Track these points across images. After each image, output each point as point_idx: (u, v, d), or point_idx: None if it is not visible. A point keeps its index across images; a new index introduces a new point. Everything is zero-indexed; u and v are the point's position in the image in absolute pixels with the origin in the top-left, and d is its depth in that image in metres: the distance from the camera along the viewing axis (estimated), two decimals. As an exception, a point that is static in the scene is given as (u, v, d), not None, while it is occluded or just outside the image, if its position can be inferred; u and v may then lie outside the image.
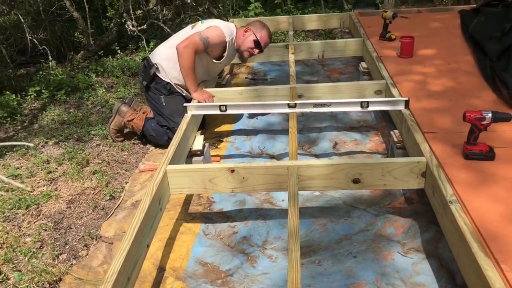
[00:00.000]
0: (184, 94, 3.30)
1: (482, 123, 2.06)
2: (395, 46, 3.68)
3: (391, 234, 2.34)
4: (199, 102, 3.09)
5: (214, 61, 3.30)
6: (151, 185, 2.13)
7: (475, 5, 4.71)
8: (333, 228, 2.43)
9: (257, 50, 3.33)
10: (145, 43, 5.26)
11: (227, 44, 3.20)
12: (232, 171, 2.26)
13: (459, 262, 1.76)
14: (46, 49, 4.51)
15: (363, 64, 3.91)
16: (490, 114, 2.05)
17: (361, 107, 2.70)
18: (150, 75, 3.21)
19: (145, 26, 5.36)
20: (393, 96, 2.86)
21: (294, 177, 2.15)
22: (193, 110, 2.90)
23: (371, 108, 2.72)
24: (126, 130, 3.52)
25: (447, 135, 2.35)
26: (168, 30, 5.47)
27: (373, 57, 3.56)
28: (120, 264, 1.65)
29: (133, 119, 3.36)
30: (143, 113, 3.46)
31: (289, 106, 2.79)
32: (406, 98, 2.66)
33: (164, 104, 3.25)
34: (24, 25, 4.46)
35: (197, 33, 3.07)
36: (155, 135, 3.30)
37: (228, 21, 5.24)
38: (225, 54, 3.27)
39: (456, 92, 2.85)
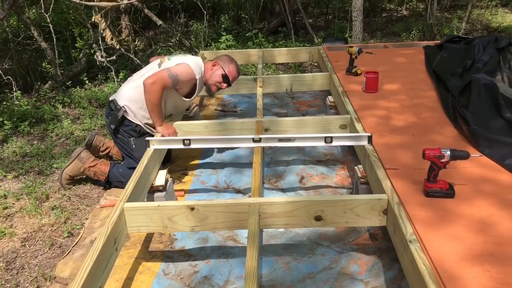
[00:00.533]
0: (154, 134, 3.19)
1: (441, 160, 2.07)
2: (360, 80, 3.73)
3: (354, 272, 2.31)
4: (163, 136, 3.03)
5: (184, 98, 3.24)
6: (107, 224, 2.06)
7: (439, 41, 4.84)
8: (297, 267, 2.37)
9: (225, 85, 3.29)
10: (114, 74, 5.21)
11: (197, 81, 3.14)
12: (192, 209, 2.20)
13: None
14: (11, 79, 4.41)
15: (330, 98, 3.94)
16: (448, 152, 2.06)
17: (325, 142, 2.71)
18: (118, 118, 3.08)
19: (114, 57, 5.32)
20: (357, 131, 2.87)
21: (255, 215, 2.10)
22: (156, 144, 2.84)
23: (335, 143, 2.72)
24: (78, 177, 3.31)
25: (409, 172, 2.35)
26: (138, 61, 5.45)
27: (339, 92, 3.59)
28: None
29: (96, 164, 3.18)
30: (106, 148, 3.38)
31: (254, 140, 2.77)
32: (369, 134, 2.67)
33: (134, 146, 3.14)
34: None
35: (166, 69, 3.00)
36: (125, 180, 2.99)
37: (198, 53, 5.27)
38: (196, 91, 3.23)
39: (419, 128, 2.88)
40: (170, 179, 2.86)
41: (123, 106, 3.10)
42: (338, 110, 3.71)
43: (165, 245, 2.61)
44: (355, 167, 2.79)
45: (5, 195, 3.17)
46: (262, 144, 2.79)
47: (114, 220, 2.09)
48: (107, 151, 3.47)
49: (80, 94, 5.01)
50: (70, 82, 5.29)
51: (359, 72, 3.96)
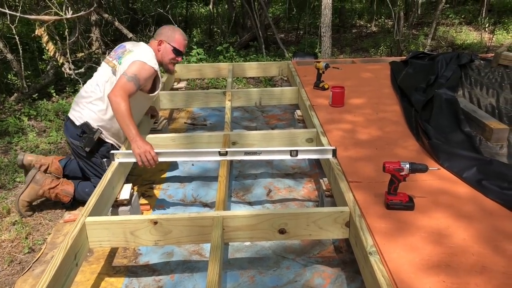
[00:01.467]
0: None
1: (401, 173, 2.12)
2: (327, 95, 3.80)
3: (318, 285, 2.32)
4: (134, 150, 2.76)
5: (150, 95, 3.11)
6: (66, 238, 2.02)
7: (405, 57, 4.97)
8: (262, 280, 2.37)
9: (180, 58, 3.13)
10: (82, 86, 5.14)
11: (158, 72, 3.00)
12: (155, 223, 2.18)
13: None
14: (-26, 91, 4.31)
15: (298, 112, 3.99)
16: (408, 165, 2.11)
17: (291, 155, 2.73)
18: (95, 140, 2.90)
19: (83, 70, 5.26)
20: (323, 145, 2.91)
21: (219, 229, 2.10)
22: (121, 157, 2.79)
23: (300, 156, 2.74)
24: (37, 202, 3.12)
25: (371, 184, 2.40)
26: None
27: (306, 106, 3.64)
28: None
29: (57, 185, 2.98)
30: (41, 166, 3.15)
31: (220, 154, 2.77)
32: (333, 148, 2.71)
33: (107, 167, 2.87)
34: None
35: (122, 75, 2.77)
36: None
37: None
38: (158, 83, 3.11)
39: (382, 141, 2.94)
40: (135, 193, 2.83)
41: (98, 128, 2.93)
42: (305, 124, 3.75)
43: (129, 260, 2.57)
44: (321, 180, 2.82)
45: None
46: (228, 158, 2.77)
47: (74, 234, 2.05)
48: (43, 168, 3.15)
49: (47, 107, 4.93)
50: (37, 94, 5.20)
51: (326, 86, 4.02)
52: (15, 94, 5.26)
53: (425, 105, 3.37)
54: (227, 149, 2.77)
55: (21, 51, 4.66)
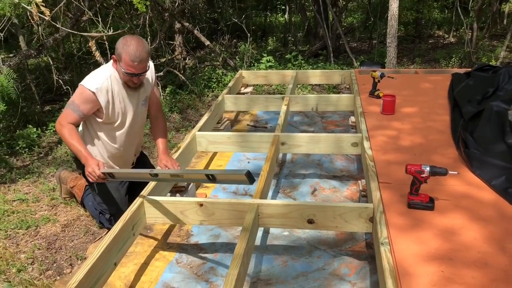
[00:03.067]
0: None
1: (422, 175, 2.29)
2: (380, 103, 3.96)
3: (344, 274, 2.54)
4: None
5: (109, 125, 2.84)
6: (127, 212, 2.43)
7: (470, 69, 4.96)
8: (293, 265, 2.64)
9: (135, 78, 2.69)
10: (160, 89, 5.70)
11: (96, 95, 2.63)
12: (201, 205, 2.53)
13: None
14: (70, 89, 4.98)
15: (352, 118, 4.19)
16: (428, 168, 2.27)
17: (208, 178, 2.25)
18: (81, 163, 2.70)
19: (161, 73, 5.83)
20: (365, 150, 3.09)
21: (252, 213, 2.40)
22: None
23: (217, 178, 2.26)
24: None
25: (399, 186, 2.57)
26: (183, 78, 5.93)
27: (358, 112, 3.84)
28: (82, 276, 1.93)
29: (75, 186, 3.25)
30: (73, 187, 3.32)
31: (150, 174, 2.53)
32: (245, 171, 2.06)
33: (97, 191, 3.00)
34: (53, 67, 4.96)
35: (66, 105, 2.70)
36: (91, 214, 3.20)
37: (237, 72, 5.66)
38: (104, 109, 2.71)
39: (422, 148, 3.08)
40: (192, 183, 3.21)
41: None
42: (357, 130, 3.94)
43: (182, 238, 2.95)
44: (359, 181, 3.03)
45: (53, 188, 3.65)
46: (157, 179, 2.64)
47: (134, 209, 2.46)
48: (84, 184, 3.24)
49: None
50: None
51: (381, 95, 4.17)
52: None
53: (474, 115, 3.42)
54: (157, 171, 2.52)
55: (109, 55, 5.30)
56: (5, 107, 3.73)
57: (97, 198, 3.03)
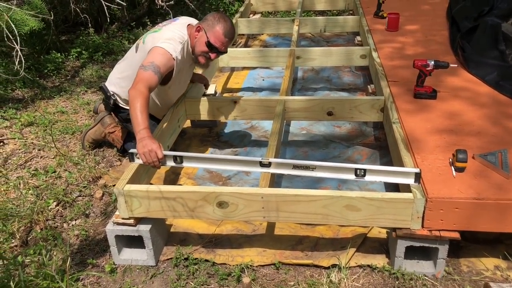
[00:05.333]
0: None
1: (427, 69, 2.68)
2: (385, 22, 4.29)
3: (357, 160, 2.98)
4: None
5: (162, 86, 2.69)
6: (171, 109, 2.81)
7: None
8: (313, 154, 3.08)
9: (213, 54, 2.61)
10: (172, 17, 5.94)
11: (175, 63, 2.51)
12: (235, 102, 2.92)
13: (392, 155, 2.46)
14: (88, 17, 5.22)
15: (358, 38, 4.52)
16: (432, 62, 2.66)
17: (356, 175, 1.98)
18: (111, 106, 2.84)
19: (172, 2, 6.04)
20: (374, 59, 3.46)
21: (281, 106, 2.80)
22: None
23: (369, 177, 1.97)
24: (100, 142, 3.28)
25: (406, 83, 2.97)
26: (193, 6, 6.15)
27: (364, 30, 4.18)
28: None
29: (115, 131, 3.12)
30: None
31: (261, 164, 2.08)
32: (416, 170, 1.91)
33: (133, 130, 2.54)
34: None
35: (141, 67, 2.39)
36: None
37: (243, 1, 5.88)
38: (173, 75, 2.59)
39: (424, 56, 3.45)
40: (218, 91, 3.58)
41: (112, 94, 2.84)
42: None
43: (214, 138, 3.37)
44: (368, 86, 3.42)
45: (88, 102, 4.01)
46: (271, 170, 2.09)
47: (178, 108, 2.85)
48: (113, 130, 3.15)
49: (143, 33, 5.79)
50: (134, 23, 6.09)
51: (385, 15, 4.48)
52: (116, 23, 6.19)
53: (470, 29, 3.77)
54: (271, 160, 2.08)
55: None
56: (44, 25, 3.98)
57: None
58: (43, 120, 3.62)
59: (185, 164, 2.18)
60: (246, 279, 2.01)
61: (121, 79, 2.79)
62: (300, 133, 3.36)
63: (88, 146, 3.23)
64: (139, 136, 2.18)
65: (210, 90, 3.49)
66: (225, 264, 2.16)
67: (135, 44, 2.78)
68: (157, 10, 6.34)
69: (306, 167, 2.05)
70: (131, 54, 2.77)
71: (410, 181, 1.93)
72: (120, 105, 2.87)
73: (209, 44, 2.55)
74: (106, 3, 2.67)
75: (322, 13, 6.61)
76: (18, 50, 2.48)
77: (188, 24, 2.67)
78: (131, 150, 2.23)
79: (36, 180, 2.88)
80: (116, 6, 3.68)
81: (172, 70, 2.55)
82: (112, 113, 3.05)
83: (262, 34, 5.60)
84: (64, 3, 5.80)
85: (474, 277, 2.01)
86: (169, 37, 2.52)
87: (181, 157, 2.15)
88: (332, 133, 3.32)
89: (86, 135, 3.22)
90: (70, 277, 1.99)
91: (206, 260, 2.17)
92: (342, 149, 3.12)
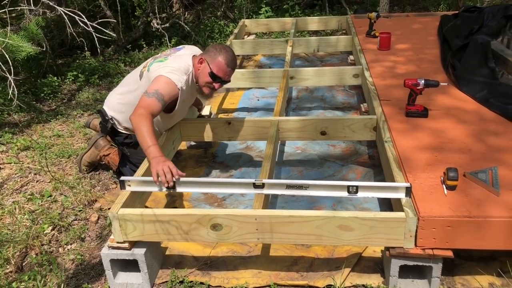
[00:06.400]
0: None
1: (418, 88, 2.72)
2: (377, 41, 4.35)
3: (352, 178, 3.00)
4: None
5: (167, 114, 2.74)
6: (166, 131, 2.84)
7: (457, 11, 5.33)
8: (308, 174, 3.10)
9: (217, 84, 2.62)
10: (167, 40, 6.03)
11: (179, 92, 2.55)
12: (229, 123, 2.95)
13: (385, 174, 2.49)
14: (84, 41, 5.28)
15: (351, 57, 4.59)
16: (423, 81, 2.70)
17: (348, 192, 2.03)
18: (108, 129, 2.86)
19: (167, 25, 6.14)
20: (366, 78, 3.51)
21: (275, 127, 2.83)
22: (133, 185, 2.24)
23: (361, 194, 2.02)
24: (97, 164, 3.32)
25: (398, 102, 3.01)
26: (188, 29, 6.23)
27: (357, 50, 4.24)
28: (141, 173, 2.35)
29: (110, 154, 3.13)
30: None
31: (255, 186, 2.10)
32: (407, 184, 1.99)
33: (129, 154, 2.90)
34: (66, 20, 5.23)
35: (145, 94, 2.43)
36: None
37: (239, 21, 5.98)
38: (177, 104, 2.64)
39: (416, 75, 3.49)
40: (213, 112, 3.62)
41: (111, 118, 2.84)
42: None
43: (209, 159, 3.39)
44: (361, 105, 3.46)
45: (84, 126, 4.03)
46: (264, 191, 2.12)
47: (172, 128, 2.88)
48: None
49: (138, 56, 5.88)
50: (130, 46, 6.17)
51: (377, 34, 4.55)
52: (112, 46, 6.26)
53: (460, 47, 3.83)
54: (264, 181, 2.10)
55: (119, 7, 5.59)
56: (38, 51, 4.03)
57: (133, 159, 2.90)
58: (39, 144, 3.64)
59: (178, 189, 2.19)
60: (241, 302, 2.01)
61: (122, 104, 2.79)
62: (295, 153, 3.38)
63: (85, 169, 3.26)
64: (150, 154, 2.21)
65: (205, 111, 3.53)
66: (220, 286, 2.16)
67: (138, 71, 2.77)
68: (153, 33, 6.42)
69: (300, 187, 2.07)
70: (134, 80, 2.75)
71: (401, 195, 1.98)
72: (118, 129, 2.87)
73: (212, 75, 2.58)
74: (97, 34, 2.67)
75: (315, 33, 6.71)
76: (11, 80, 2.52)
77: (193, 55, 2.70)
78: (122, 178, 2.21)
79: (31, 204, 2.89)
80: (107, 37, 3.73)
81: (176, 99, 2.59)
82: (107, 135, 3.03)
83: (257, 54, 5.66)
84: (61, 27, 5.89)
85: (469, 295, 2.02)
86: (175, 68, 2.55)
87: (173, 182, 2.15)
88: (327, 152, 3.35)
89: (82, 158, 3.24)
90: (64, 302, 1.98)
91: (201, 283, 2.17)
92: (336, 168, 3.14)
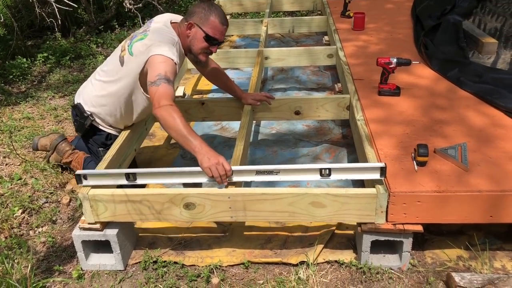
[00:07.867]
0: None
1: (390, 66, 2.73)
2: (351, 21, 4.35)
3: (325, 157, 3.02)
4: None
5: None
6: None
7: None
8: (282, 154, 3.10)
9: (214, 48, 2.41)
10: (140, 20, 5.90)
11: (176, 67, 2.26)
12: (203, 103, 2.92)
13: (358, 152, 2.52)
14: (54, 21, 5.13)
15: (326, 37, 4.58)
16: (395, 60, 2.72)
17: (321, 175, 1.99)
18: (86, 127, 2.55)
19: (140, 5, 6.00)
20: (340, 58, 3.51)
21: (249, 107, 2.81)
22: (90, 179, 2.09)
23: (335, 176, 1.99)
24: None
25: (371, 81, 3.02)
26: (162, 9, 6.12)
27: (331, 30, 4.23)
28: (113, 154, 2.31)
29: (71, 161, 2.83)
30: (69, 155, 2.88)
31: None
32: (382, 165, 1.93)
33: (102, 157, 2.38)
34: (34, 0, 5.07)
35: (151, 85, 2.13)
36: None
37: (213, 0, 5.89)
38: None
39: (389, 54, 3.51)
40: (187, 93, 3.58)
41: (90, 114, 2.53)
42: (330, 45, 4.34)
43: (183, 140, 3.35)
44: (335, 85, 3.47)
45: (55, 108, 3.95)
46: (233, 179, 2.03)
47: (144, 108, 2.83)
48: (83, 155, 2.81)
49: (111, 37, 5.75)
50: (102, 27, 6.02)
51: (351, 15, 4.55)
52: (83, 27, 6.11)
53: (433, 27, 3.86)
54: (232, 168, 2.01)
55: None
56: (5, 31, 3.91)
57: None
58: (8, 127, 3.54)
59: (139, 181, 2.05)
60: (214, 280, 2.01)
61: (102, 97, 2.46)
62: (270, 133, 3.38)
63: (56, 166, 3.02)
64: (198, 150, 1.98)
65: (179, 92, 3.49)
66: (194, 265, 2.16)
67: (116, 57, 2.44)
68: (126, 13, 6.27)
69: (270, 172, 1.99)
70: (115, 68, 2.40)
71: (376, 176, 1.97)
72: (100, 126, 2.57)
73: (208, 38, 2.33)
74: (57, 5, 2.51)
75: (291, 13, 6.67)
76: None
77: (173, 23, 2.42)
78: (78, 172, 2.07)
79: (0, 188, 2.82)
80: (67, 8, 3.61)
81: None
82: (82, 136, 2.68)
83: (232, 35, 5.61)
84: (30, 7, 5.70)
85: (437, 268, 2.07)
86: (162, 41, 2.26)
87: (134, 174, 2.04)
88: (301, 132, 3.36)
89: (48, 161, 3.01)
90: (34, 285, 1.96)
91: (175, 263, 2.16)
92: (310, 147, 3.15)
